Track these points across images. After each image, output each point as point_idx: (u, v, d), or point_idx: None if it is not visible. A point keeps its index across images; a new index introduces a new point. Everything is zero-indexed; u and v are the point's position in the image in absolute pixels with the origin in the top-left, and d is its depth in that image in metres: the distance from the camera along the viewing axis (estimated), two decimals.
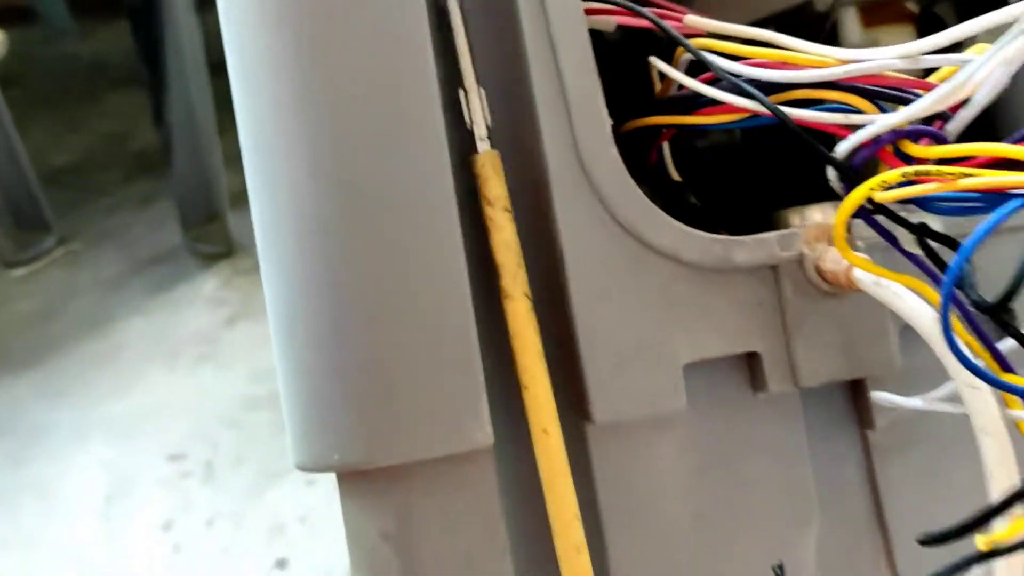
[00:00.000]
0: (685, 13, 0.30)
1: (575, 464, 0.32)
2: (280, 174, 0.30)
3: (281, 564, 0.73)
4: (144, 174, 1.13)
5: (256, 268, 0.95)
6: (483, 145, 0.30)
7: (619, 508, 0.32)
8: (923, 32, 0.50)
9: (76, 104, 1.22)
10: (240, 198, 1.16)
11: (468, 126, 0.30)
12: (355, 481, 0.31)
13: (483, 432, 0.29)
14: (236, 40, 0.31)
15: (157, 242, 1.05)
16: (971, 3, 0.53)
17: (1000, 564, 0.25)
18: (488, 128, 0.30)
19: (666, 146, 0.36)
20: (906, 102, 0.26)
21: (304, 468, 0.31)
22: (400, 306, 0.29)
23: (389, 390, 0.29)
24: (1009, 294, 0.22)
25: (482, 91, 0.30)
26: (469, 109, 0.30)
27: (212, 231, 1.05)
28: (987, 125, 0.34)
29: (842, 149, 0.26)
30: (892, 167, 0.26)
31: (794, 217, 0.36)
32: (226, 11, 0.32)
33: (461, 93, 0.30)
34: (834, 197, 0.33)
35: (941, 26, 0.55)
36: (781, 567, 0.27)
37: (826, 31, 0.50)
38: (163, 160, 1.05)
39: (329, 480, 0.80)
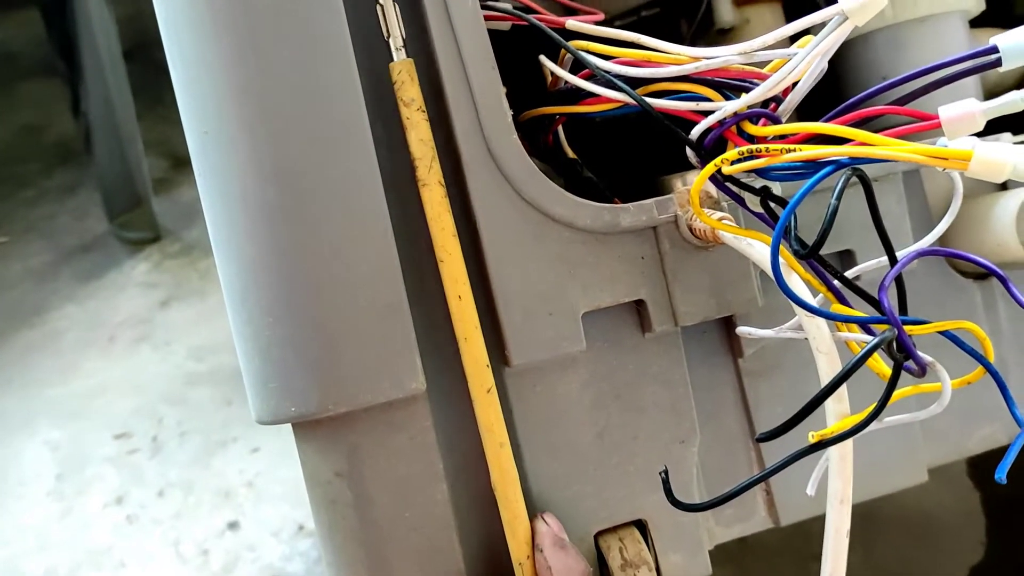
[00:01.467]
0: (566, 19, 0.36)
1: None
2: (227, 167, 0.35)
3: (232, 526, 0.78)
4: (64, 164, 1.14)
5: (185, 251, 0.99)
6: (399, 55, 0.34)
7: (534, 436, 0.38)
8: (789, 9, 0.57)
9: None
10: (163, 184, 1.18)
11: (384, 37, 0.34)
12: (309, 429, 0.36)
13: (417, 380, 0.35)
14: (176, 44, 0.35)
15: (83, 231, 1.07)
16: None
17: (832, 451, 0.31)
18: (403, 39, 0.34)
19: (560, 129, 0.41)
20: (747, 90, 0.32)
21: (264, 422, 0.36)
22: (338, 276, 0.34)
23: (334, 350, 0.34)
24: (818, 242, 0.28)
25: (396, 6, 0.35)
26: (385, 20, 0.34)
27: (137, 217, 1.07)
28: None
29: (695, 132, 0.32)
30: (736, 144, 0.32)
31: (676, 181, 0.42)
32: (164, 16, 0.36)
33: (378, 7, 0.34)
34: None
35: (807, 2, 0.62)
36: (666, 471, 0.33)
37: (701, 11, 0.56)
38: (84, 150, 1.07)
39: (272, 447, 0.85)
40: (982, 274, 0.45)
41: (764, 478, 0.31)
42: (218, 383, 0.90)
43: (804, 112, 0.36)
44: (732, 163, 0.30)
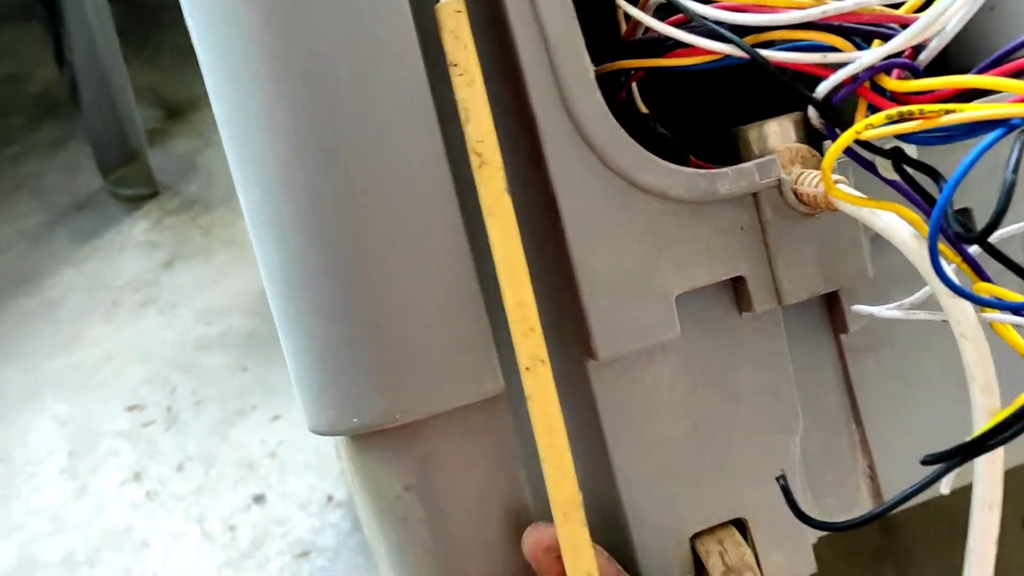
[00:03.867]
0: None
1: (579, 399, 0.33)
2: (265, 148, 0.30)
3: (258, 500, 0.74)
4: (50, 116, 1.07)
5: (185, 207, 0.94)
6: None
7: (622, 433, 0.34)
8: None
9: None
10: (157, 135, 1.11)
11: None
12: (373, 439, 0.32)
13: (494, 380, 0.31)
14: (205, 18, 0.30)
15: (75, 188, 1.01)
16: None
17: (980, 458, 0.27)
18: None
19: (634, 83, 0.36)
20: (880, 36, 0.27)
21: (321, 433, 0.32)
22: (401, 267, 0.30)
23: (400, 350, 0.30)
24: (992, 224, 0.23)
25: None
26: None
27: (133, 173, 1.01)
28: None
29: (822, 89, 0.27)
30: (869, 101, 0.27)
31: (752, 132, 0.37)
32: None
33: None
34: (786, 108, 0.35)
35: None
36: (784, 478, 0.29)
37: None
38: (70, 102, 1.01)
39: (294, 414, 0.81)
40: None
41: (896, 506, 0.27)
42: (230, 348, 0.85)
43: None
44: (877, 127, 0.26)
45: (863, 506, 0.38)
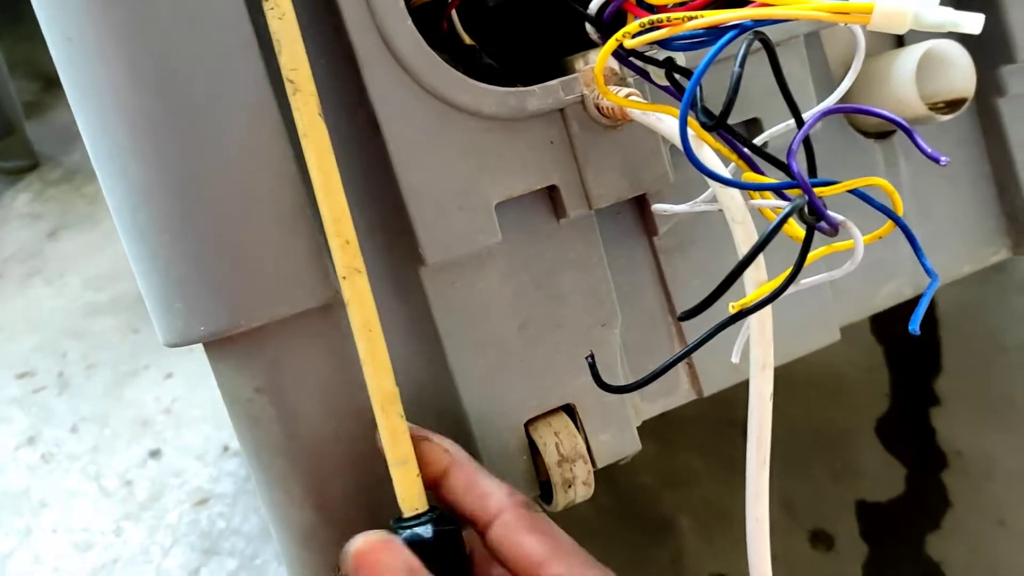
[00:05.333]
0: None
1: (416, 307, 0.37)
2: (98, 77, 0.32)
3: (154, 454, 0.76)
4: None
5: (67, 178, 0.94)
6: None
7: (457, 334, 0.37)
8: None
9: None
10: (34, 108, 1.10)
11: None
12: (223, 347, 0.35)
13: (328, 288, 0.34)
14: None
15: None
16: None
17: (752, 319, 0.32)
18: None
19: (455, 14, 0.39)
20: None
21: (173, 344, 0.35)
22: (235, 187, 0.32)
23: (239, 262, 0.33)
24: (725, 111, 0.27)
25: None
26: None
27: (11, 145, 0.99)
28: None
29: (593, 6, 0.31)
30: (637, 16, 0.31)
31: (579, 61, 0.40)
32: None
33: None
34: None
35: None
36: (592, 357, 0.33)
37: None
38: None
39: (186, 370, 0.83)
40: (882, 132, 0.46)
41: (687, 354, 0.31)
42: (121, 311, 0.86)
43: None
44: (633, 36, 0.29)
45: (683, 391, 0.42)
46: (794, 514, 0.74)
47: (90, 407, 0.79)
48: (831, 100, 0.33)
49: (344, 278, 0.32)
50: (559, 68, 0.41)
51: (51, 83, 1.09)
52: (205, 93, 0.32)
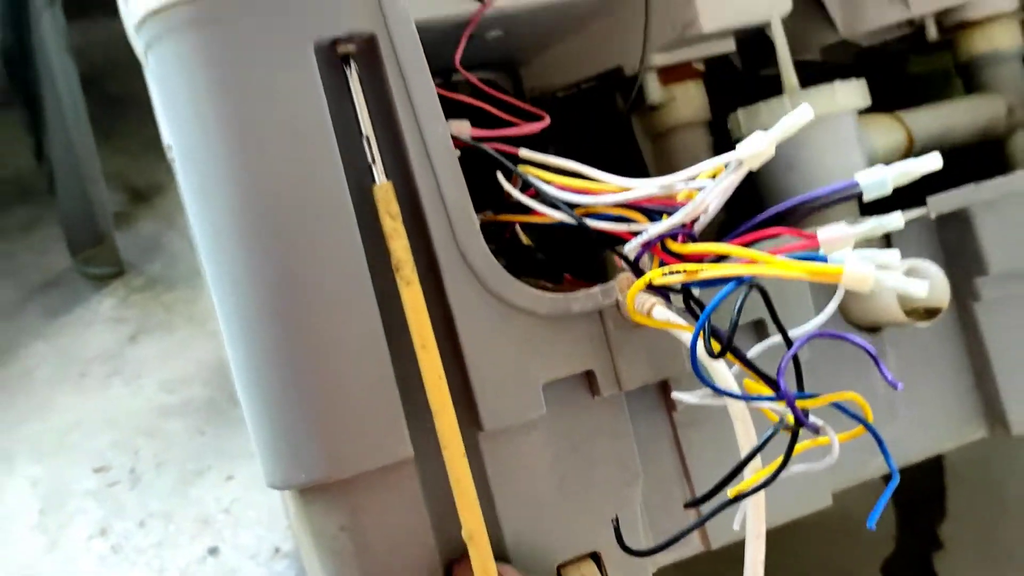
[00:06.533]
0: (520, 150, 0.43)
1: (473, 462, 0.45)
2: (238, 276, 0.41)
3: (213, 552, 0.83)
4: (23, 201, 1.17)
5: (149, 285, 1.04)
6: (381, 177, 0.40)
7: (505, 487, 0.45)
8: (710, 85, 0.65)
9: None
10: (123, 218, 1.22)
11: (370, 162, 0.40)
12: (316, 492, 0.43)
13: (404, 446, 0.42)
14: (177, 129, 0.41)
15: (46, 267, 1.10)
16: (752, 52, 0.68)
17: (748, 502, 0.39)
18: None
19: (518, 225, 0.48)
20: (668, 213, 0.39)
21: (276, 487, 0.43)
22: (341, 359, 0.41)
23: (335, 426, 0.41)
24: (727, 345, 0.35)
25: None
26: (371, 149, 0.40)
27: (100, 253, 1.10)
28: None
29: (628, 249, 0.40)
30: (660, 257, 0.39)
31: (613, 256, 0.49)
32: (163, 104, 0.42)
33: (364, 140, 0.40)
34: None
35: (729, 69, 0.70)
36: (616, 520, 0.41)
37: (635, 91, 0.63)
38: (44, 189, 1.10)
39: (245, 474, 0.91)
40: (873, 327, 0.53)
41: (695, 528, 0.39)
42: (190, 414, 0.95)
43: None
44: (659, 278, 0.38)
45: (693, 544, 0.49)
46: None
47: (158, 503, 0.87)
48: (817, 322, 0.41)
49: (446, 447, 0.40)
50: (600, 261, 0.50)
51: (138, 195, 1.21)
52: (318, 290, 0.40)
